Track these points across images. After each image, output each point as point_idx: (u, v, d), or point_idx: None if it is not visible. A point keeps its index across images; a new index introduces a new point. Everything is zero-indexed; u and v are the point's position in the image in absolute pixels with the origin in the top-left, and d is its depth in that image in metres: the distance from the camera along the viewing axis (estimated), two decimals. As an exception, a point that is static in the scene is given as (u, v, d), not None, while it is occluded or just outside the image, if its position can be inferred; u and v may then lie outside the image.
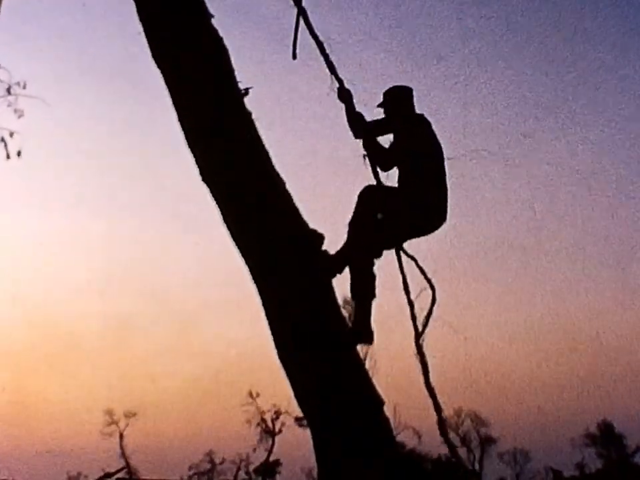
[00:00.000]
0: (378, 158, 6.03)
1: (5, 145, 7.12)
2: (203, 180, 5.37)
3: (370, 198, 5.85)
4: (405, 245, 5.92)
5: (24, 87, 7.20)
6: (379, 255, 5.85)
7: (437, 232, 6.06)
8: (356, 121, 6.09)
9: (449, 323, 5.96)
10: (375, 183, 5.96)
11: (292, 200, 5.41)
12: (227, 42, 5.50)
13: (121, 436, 49.19)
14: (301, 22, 6.07)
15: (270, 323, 5.31)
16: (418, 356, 5.75)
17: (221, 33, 5.51)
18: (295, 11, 6.10)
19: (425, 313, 5.83)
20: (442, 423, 5.83)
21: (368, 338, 5.60)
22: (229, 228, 5.38)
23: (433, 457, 45.35)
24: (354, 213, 5.82)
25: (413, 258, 5.97)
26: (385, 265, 5.85)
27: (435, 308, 5.88)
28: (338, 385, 5.19)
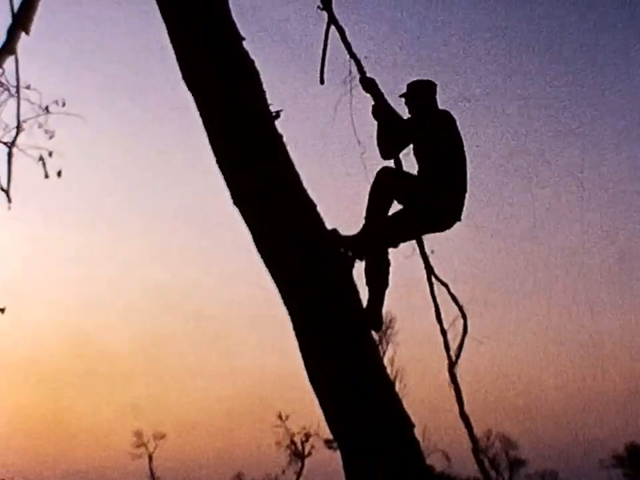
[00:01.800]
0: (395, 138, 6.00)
1: (44, 164, 7.15)
2: (234, 203, 5.38)
3: (387, 179, 5.83)
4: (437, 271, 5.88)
5: (63, 105, 7.23)
6: (395, 245, 5.81)
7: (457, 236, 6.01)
8: (389, 142, 6.02)
9: (477, 339, 5.93)
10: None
11: (323, 223, 5.41)
12: (257, 64, 5.50)
13: (150, 458, 49.23)
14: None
15: (300, 342, 5.30)
16: (452, 385, 5.70)
17: (252, 55, 5.52)
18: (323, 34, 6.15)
19: (457, 341, 5.80)
20: (477, 451, 5.77)
21: (377, 325, 5.58)
22: (259, 250, 5.37)
23: (462, 478, 45.09)
24: (370, 194, 5.80)
25: (444, 284, 5.93)
26: (417, 292, 5.83)
27: (466, 337, 5.86)
28: (368, 407, 5.16)
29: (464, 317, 5.94)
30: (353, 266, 5.54)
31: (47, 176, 7.12)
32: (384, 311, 5.64)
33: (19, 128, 6.97)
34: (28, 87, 6.94)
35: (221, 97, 5.40)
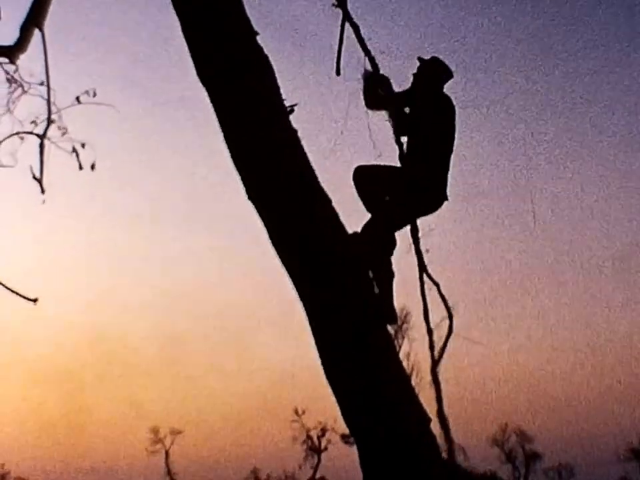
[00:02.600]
0: (401, 129, 6.02)
1: (77, 156, 7.15)
2: (249, 198, 5.38)
3: (365, 179, 5.83)
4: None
5: (94, 95, 7.22)
6: (393, 230, 5.80)
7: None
8: (375, 96, 6.07)
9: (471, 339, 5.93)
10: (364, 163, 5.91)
11: (338, 217, 5.41)
12: (271, 59, 5.49)
13: (167, 454, 49.38)
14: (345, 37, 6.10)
15: (316, 338, 5.30)
16: (433, 384, 5.69)
17: (266, 50, 5.51)
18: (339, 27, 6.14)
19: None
20: (452, 453, 5.75)
21: (392, 319, 5.55)
22: (274, 246, 5.37)
23: (478, 472, 45.07)
24: (362, 199, 5.80)
25: (436, 283, 5.92)
26: (433, 287, 5.80)
27: (450, 338, 5.89)
28: (385, 401, 5.16)
29: (450, 317, 5.93)
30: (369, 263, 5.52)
31: (81, 168, 7.11)
32: (398, 305, 5.62)
33: (49, 119, 6.97)
34: (42, 84, 6.93)
35: (234, 92, 5.39)
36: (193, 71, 5.49)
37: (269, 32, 5.67)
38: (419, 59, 6.11)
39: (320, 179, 5.42)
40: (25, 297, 6.50)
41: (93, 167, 7.10)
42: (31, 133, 6.99)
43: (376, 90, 6.06)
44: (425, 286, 5.97)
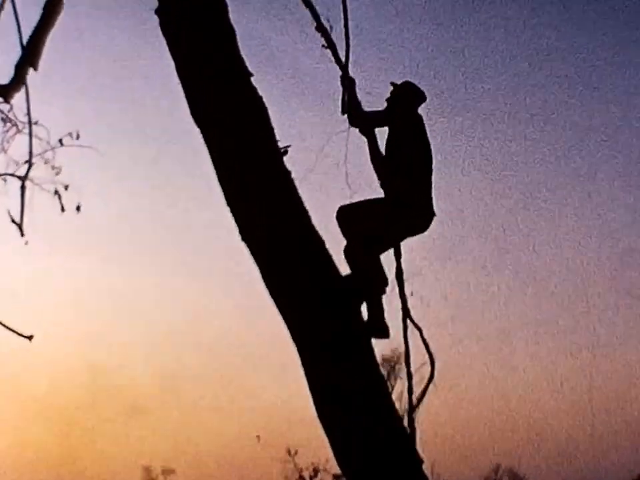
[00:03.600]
0: (373, 149, 6.05)
1: (60, 198, 7.14)
2: (242, 239, 5.37)
3: (350, 219, 5.79)
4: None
5: (77, 138, 7.22)
6: (379, 252, 5.82)
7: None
8: (355, 109, 6.08)
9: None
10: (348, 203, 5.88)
11: (331, 259, 5.41)
12: (265, 99, 5.51)
13: (159, 493, 48.89)
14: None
15: (309, 380, 5.28)
16: (409, 428, 5.66)
17: (260, 91, 5.53)
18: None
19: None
20: None
21: (384, 333, 5.57)
22: (267, 286, 5.36)
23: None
24: (346, 240, 5.76)
25: (418, 328, 5.91)
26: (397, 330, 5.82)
27: (431, 385, 5.85)
28: (377, 443, 5.13)
29: (432, 363, 5.90)
30: (360, 305, 5.52)
31: (63, 209, 7.11)
32: (390, 347, 5.62)
33: (30, 162, 6.97)
34: (36, 123, 6.94)
35: (228, 134, 5.41)
36: (180, 112, 5.52)
37: (264, 72, 5.69)
38: (392, 83, 6.21)
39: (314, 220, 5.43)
40: (20, 334, 6.49)
41: (78, 208, 7.09)
42: (12, 174, 6.99)
43: (355, 105, 6.11)
44: (408, 330, 5.94)
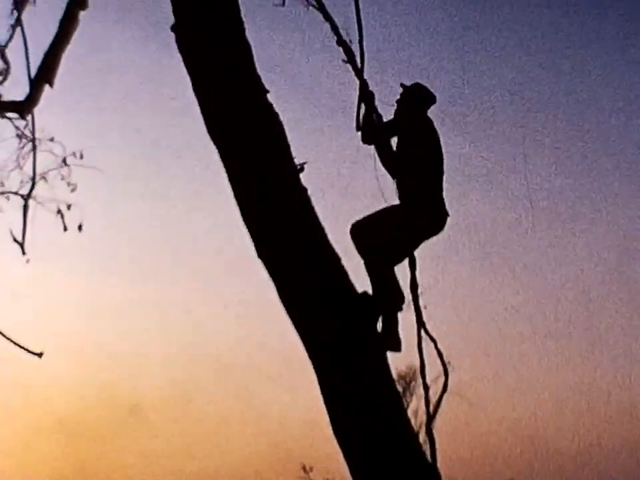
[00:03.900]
0: (389, 164, 6.02)
1: (62, 217, 7.13)
2: (259, 256, 5.37)
3: (364, 232, 5.77)
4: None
5: (81, 157, 7.22)
6: (397, 261, 5.82)
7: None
8: (370, 125, 6.08)
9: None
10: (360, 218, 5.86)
11: (348, 277, 5.40)
12: (281, 115, 5.50)
13: (172, 510, 48.88)
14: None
15: (324, 396, 5.26)
16: (427, 440, 5.66)
17: (276, 107, 5.52)
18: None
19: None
20: None
21: (396, 346, 5.56)
22: (283, 303, 5.34)
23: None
24: (362, 256, 5.74)
25: (433, 340, 5.92)
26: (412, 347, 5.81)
27: (445, 396, 5.87)
28: (392, 460, 5.10)
29: (446, 375, 5.93)
30: (377, 320, 5.50)
31: (65, 229, 7.10)
32: (405, 364, 5.62)
33: (34, 180, 6.97)
34: (52, 139, 6.95)
35: (245, 150, 5.40)
36: (188, 129, 5.51)
37: (279, 89, 5.68)
38: (402, 85, 6.19)
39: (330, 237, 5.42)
40: (30, 351, 6.49)
41: (80, 227, 7.09)
42: (15, 193, 6.99)
43: (370, 120, 6.10)
44: (423, 342, 5.94)
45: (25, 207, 6.93)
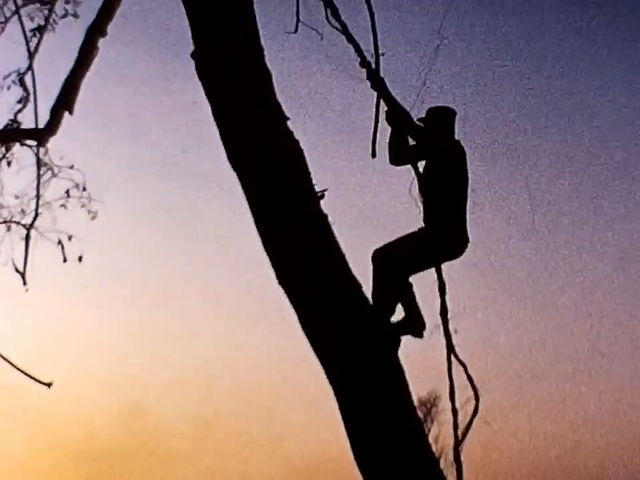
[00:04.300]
0: (421, 184, 5.98)
1: (62, 248, 7.12)
2: (279, 283, 5.35)
3: (384, 257, 5.70)
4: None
5: (84, 189, 7.22)
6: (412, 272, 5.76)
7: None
8: (402, 146, 5.99)
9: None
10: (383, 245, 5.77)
11: (368, 302, 5.37)
12: (301, 142, 5.51)
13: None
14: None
15: (345, 423, 5.23)
16: (455, 464, 5.64)
17: (296, 134, 5.52)
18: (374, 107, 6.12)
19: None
20: None
21: (419, 329, 5.59)
22: (304, 330, 5.32)
23: None
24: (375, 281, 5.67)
25: (463, 365, 5.91)
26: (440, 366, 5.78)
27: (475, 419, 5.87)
28: (378, 443, 5.13)
29: (477, 398, 5.91)
30: (398, 346, 5.46)
31: (65, 260, 7.09)
32: (426, 390, 5.62)
33: (37, 211, 6.96)
34: (72, 167, 6.96)
35: (265, 178, 5.40)
36: (199, 158, 5.51)
37: (299, 114, 5.66)
38: (420, 119, 6.06)
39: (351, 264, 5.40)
40: (39, 381, 6.47)
41: (80, 259, 7.07)
42: (18, 223, 6.98)
43: (403, 140, 6.00)
44: (453, 366, 5.96)
45: (27, 237, 6.92)
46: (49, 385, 6.45)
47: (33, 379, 6.43)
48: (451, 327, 5.99)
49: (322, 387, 5.30)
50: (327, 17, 6.32)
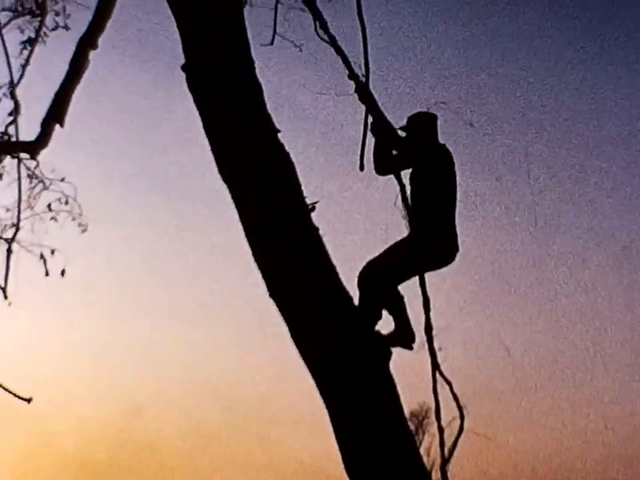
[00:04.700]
0: (405, 194, 5.98)
1: (45, 262, 7.10)
2: (271, 296, 5.34)
3: (375, 275, 5.66)
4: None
5: (66, 203, 7.20)
6: (399, 282, 5.75)
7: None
8: (388, 156, 6.01)
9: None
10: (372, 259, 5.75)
11: (359, 317, 5.37)
12: (292, 154, 5.51)
13: None
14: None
15: (337, 438, 5.21)
16: None
17: (287, 147, 5.52)
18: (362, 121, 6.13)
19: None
20: None
21: (409, 341, 5.62)
22: (295, 343, 5.31)
23: None
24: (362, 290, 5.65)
25: (448, 382, 5.89)
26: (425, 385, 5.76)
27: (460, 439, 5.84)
28: (390, 460, 5.09)
29: (462, 417, 5.88)
30: (389, 358, 5.45)
31: (47, 274, 7.07)
32: (418, 402, 5.61)
33: (18, 225, 6.94)
34: (62, 180, 6.96)
35: (255, 190, 5.40)
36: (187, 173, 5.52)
37: (291, 128, 5.67)
38: (401, 128, 6.09)
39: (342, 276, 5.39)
40: (18, 397, 6.44)
41: (62, 273, 7.05)
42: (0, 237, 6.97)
43: (388, 149, 6.02)
44: (438, 384, 5.92)
45: (9, 251, 6.90)
46: (28, 400, 6.42)
47: (13, 394, 6.40)
48: (436, 344, 5.95)
49: (319, 399, 5.29)
50: (315, 30, 6.37)
